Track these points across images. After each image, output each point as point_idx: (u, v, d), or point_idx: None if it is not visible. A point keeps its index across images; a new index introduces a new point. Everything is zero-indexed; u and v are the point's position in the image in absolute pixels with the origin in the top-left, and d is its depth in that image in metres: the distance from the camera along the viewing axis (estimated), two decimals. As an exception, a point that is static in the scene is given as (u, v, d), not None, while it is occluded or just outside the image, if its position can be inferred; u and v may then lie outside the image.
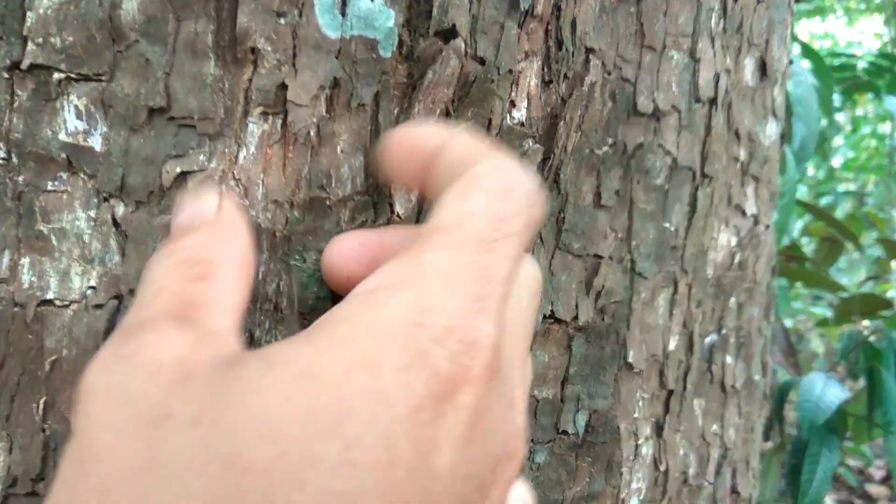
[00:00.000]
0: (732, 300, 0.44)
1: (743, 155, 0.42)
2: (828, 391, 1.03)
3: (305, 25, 0.27)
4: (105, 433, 0.19)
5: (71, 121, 0.27)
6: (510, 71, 0.30)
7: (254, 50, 0.27)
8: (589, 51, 0.33)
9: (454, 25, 0.28)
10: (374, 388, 0.18)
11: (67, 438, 0.22)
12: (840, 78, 2.29)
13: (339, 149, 0.28)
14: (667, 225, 0.38)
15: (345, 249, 0.26)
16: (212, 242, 0.24)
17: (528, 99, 0.32)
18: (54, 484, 0.20)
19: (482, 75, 0.29)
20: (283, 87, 0.27)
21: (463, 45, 0.29)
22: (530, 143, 0.32)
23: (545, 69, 0.32)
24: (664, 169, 0.37)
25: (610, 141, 0.35)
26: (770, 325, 0.49)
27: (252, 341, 0.28)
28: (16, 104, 0.27)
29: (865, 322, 1.63)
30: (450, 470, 0.19)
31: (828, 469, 1.02)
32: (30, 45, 0.27)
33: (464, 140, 0.24)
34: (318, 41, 0.27)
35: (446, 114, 0.30)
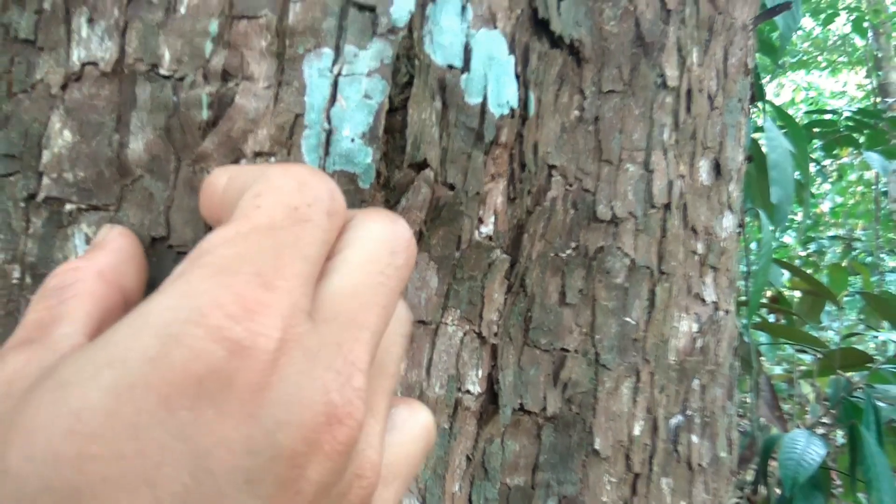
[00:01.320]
0: (696, 382, 0.47)
1: (700, 248, 0.46)
2: (809, 448, 1.05)
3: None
4: None
5: (80, 246, 0.30)
6: (477, 193, 0.34)
7: (246, 184, 0.30)
8: (551, 167, 0.37)
9: (426, 158, 0.31)
10: (116, 384, 0.18)
11: None
12: (822, 133, 2.36)
13: (322, 268, 0.31)
14: (628, 319, 0.41)
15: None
16: (71, 269, 0.26)
17: (494, 215, 0.35)
18: None
19: (451, 199, 0.33)
20: (272, 217, 0.30)
21: (433, 175, 0.32)
22: (498, 254, 0.35)
23: (511, 188, 0.35)
24: (623, 269, 0.40)
25: (573, 245, 0.39)
26: (733, 404, 0.52)
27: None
28: (30, 230, 0.31)
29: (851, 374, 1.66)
30: (222, 445, 0.18)
31: (812, 527, 1.03)
32: (45, 179, 0.30)
33: (238, 170, 0.25)
34: (304, 177, 0.30)
35: (419, 234, 0.33)
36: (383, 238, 0.24)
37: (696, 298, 0.46)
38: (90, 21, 0.30)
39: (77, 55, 0.30)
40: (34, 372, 0.21)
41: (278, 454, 0.19)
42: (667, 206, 0.41)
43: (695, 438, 0.47)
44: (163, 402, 0.18)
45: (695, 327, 0.46)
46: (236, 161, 0.30)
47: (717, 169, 0.46)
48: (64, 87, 0.30)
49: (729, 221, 0.49)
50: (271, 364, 0.19)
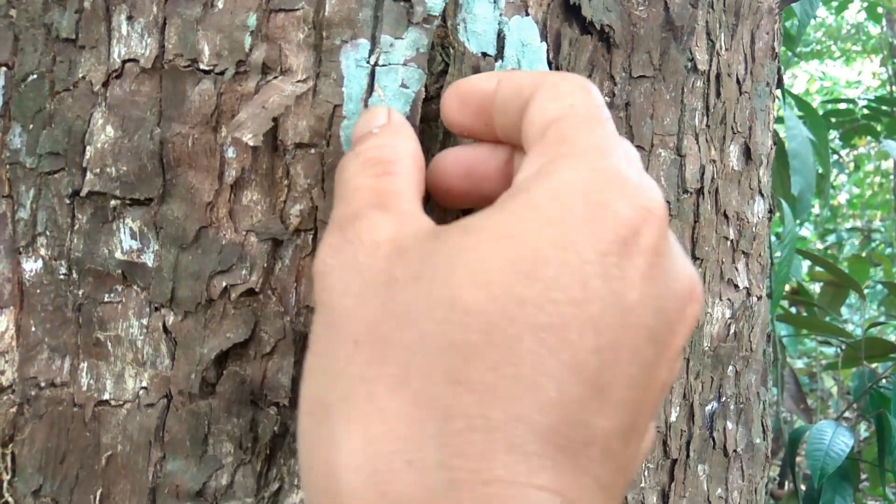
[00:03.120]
0: (730, 369, 0.47)
1: (732, 234, 0.46)
2: (837, 439, 1.04)
3: (332, 153, 0.30)
4: (346, 299, 0.23)
5: (126, 240, 0.31)
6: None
7: (288, 174, 0.30)
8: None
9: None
10: (562, 239, 0.21)
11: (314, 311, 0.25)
12: (839, 122, 2.34)
13: (362, 257, 0.31)
14: (663, 305, 0.41)
15: (442, 166, 0.30)
16: (388, 142, 0.28)
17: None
18: (310, 348, 0.25)
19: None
20: (314, 207, 0.30)
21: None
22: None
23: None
24: (658, 255, 0.40)
25: (607, 231, 0.39)
26: (767, 390, 0.51)
27: (287, 432, 0.31)
28: (76, 226, 0.31)
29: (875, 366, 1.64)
30: (640, 303, 0.22)
31: (842, 517, 1.03)
32: (88, 175, 0.31)
33: (512, 75, 0.28)
34: (344, 166, 0.31)
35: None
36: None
37: (728, 284, 0.46)
38: (130, 18, 0.31)
39: (118, 52, 0.31)
40: (412, 234, 0.24)
41: (667, 319, 0.23)
42: (699, 192, 0.41)
43: (730, 425, 0.47)
44: (600, 258, 0.21)
45: (728, 313, 0.46)
46: (273, 135, 0.30)
47: (748, 153, 0.46)
48: (105, 84, 0.31)
49: (759, 206, 0.48)
50: (664, 230, 0.23)
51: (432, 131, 0.32)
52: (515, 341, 0.20)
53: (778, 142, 1.19)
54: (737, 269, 0.47)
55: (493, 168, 0.29)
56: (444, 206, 0.30)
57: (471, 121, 0.29)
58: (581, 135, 0.24)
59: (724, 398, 0.46)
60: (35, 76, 0.32)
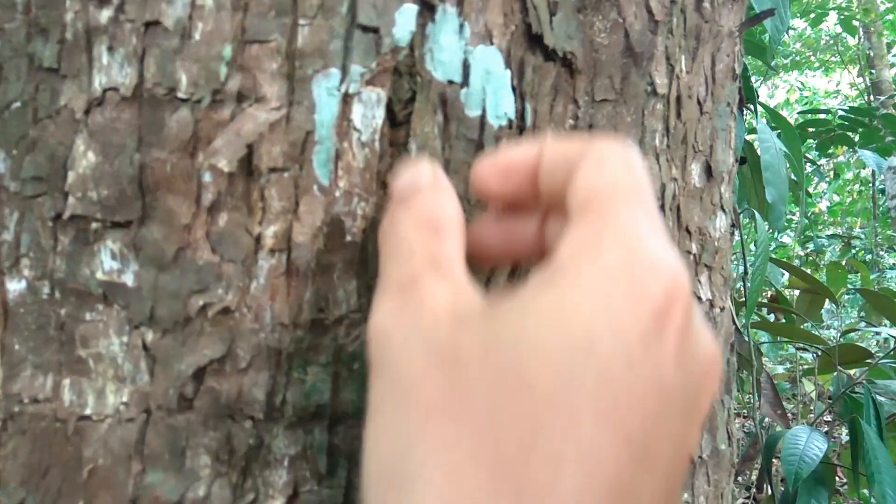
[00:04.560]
0: (694, 378, 0.49)
1: (695, 248, 0.47)
2: (811, 444, 1.06)
3: (305, 177, 0.32)
4: (412, 368, 0.25)
5: (107, 261, 0.32)
6: (479, 202, 0.35)
7: (263, 198, 0.32)
8: (548, 174, 0.39)
9: (430, 169, 0.33)
10: (610, 319, 0.23)
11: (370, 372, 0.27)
12: (816, 132, 2.38)
13: (335, 276, 0.33)
14: (627, 318, 0.42)
15: (480, 231, 0.32)
16: (438, 202, 0.29)
17: (496, 221, 0.37)
18: (374, 415, 0.26)
19: (455, 207, 0.35)
20: (288, 228, 0.32)
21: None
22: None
23: (510, 194, 0.37)
24: (621, 270, 0.42)
25: (572, 248, 0.40)
26: (731, 398, 0.53)
27: (262, 445, 0.32)
28: (59, 248, 0.32)
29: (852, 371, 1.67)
30: (674, 380, 0.23)
31: (817, 521, 1.05)
32: (70, 199, 0.32)
33: (556, 143, 0.30)
34: (316, 190, 0.32)
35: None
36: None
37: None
38: (110, 49, 0.32)
39: (99, 81, 0.32)
40: (468, 305, 0.26)
41: (695, 390, 0.24)
42: (661, 208, 0.43)
43: (695, 432, 0.49)
44: (641, 338, 0.23)
45: (692, 324, 0.48)
46: (248, 160, 0.31)
47: (709, 171, 0.48)
48: (87, 111, 0.32)
49: (721, 221, 0.50)
50: (690, 305, 0.24)
51: (401, 154, 0.34)
52: (577, 414, 0.22)
53: (751, 154, 1.21)
54: (700, 282, 0.48)
55: (529, 233, 0.31)
56: (477, 266, 0.32)
57: (514, 189, 0.30)
58: (622, 213, 0.26)
59: (688, 407, 0.48)
60: (19, 104, 0.33)
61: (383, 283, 0.28)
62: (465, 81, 0.34)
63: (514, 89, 0.36)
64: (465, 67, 0.34)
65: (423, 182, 0.29)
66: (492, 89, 0.35)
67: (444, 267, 0.27)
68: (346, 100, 0.32)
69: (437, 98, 0.34)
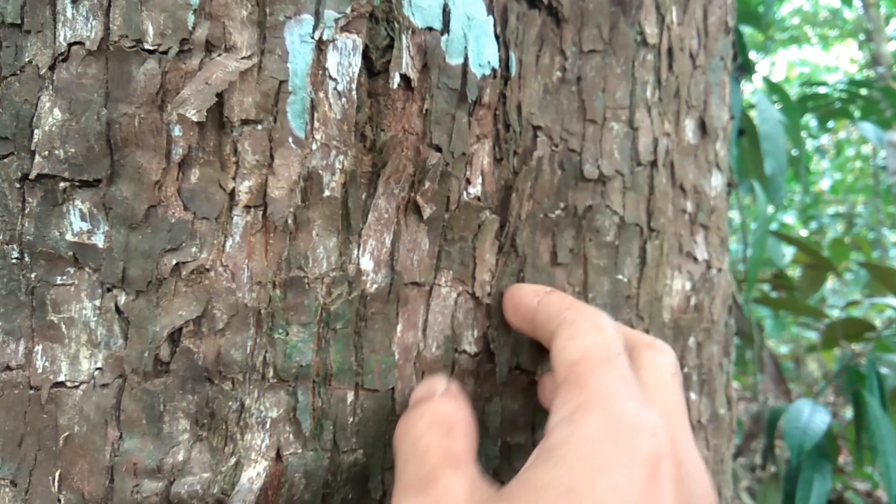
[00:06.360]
0: (691, 340, 0.47)
1: (690, 207, 0.46)
2: (814, 417, 1.05)
3: (279, 129, 0.31)
4: None
5: (76, 222, 0.31)
6: (463, 154, 0.34)
7: (236, 151, 0.31)
8: (536, 128, 0.37)
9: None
10: (612, 485, 0.25)
11: None
12: (815, 106, 2.35)
13: (314, 233, 0.32)
14: (620, 277, 0.41)
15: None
16: (450, 405, 0.31)
17: (482, 176, 0.35)
18: None
19: (438, 160, 0.33)
20: (263, 182, 0.31)
21: (418, 136, 0.32)
22: (487, 214, 0.36)
23: (496, 148, 0.36)
24: (613, 227, 0.41)
25: (562, 205, 0.39)
26: (730, 361, 0.52)
27: (243, 408, 0.31)
28: (27, 210, 0.31)
29: (855, 346, 1.66)
30: None
31: (821, 494, 1.04)
32: (37, 158, 0.31)
33: (547, 301, 0.34)
34: (291, 142, 0.31)
35: (409, 197, 0.33)
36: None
37: (687, 257, 0.47)
38: (75, 2, 0.31)
39: (63, 36, 0.31)
40: (484, 499, 0.27)
41: None
42: (653, 164, 0.42)
43: (693, 395, 0.48)
44: (641, 493, 0.25)
45: (688, 285, 0.47)
46: (219, 112, 0.30)
47: (703, 127, 0.47)
48: (52, 67, 0.31)
49: (717, 180, 0.49)
50: (677, 454, 0.27)
51: (381, 105, 0.32)
52: None
53: (749, 126, 1.20)
54: (696, 242, 0.47)
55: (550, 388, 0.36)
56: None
57: (520, 325, 0.35)
58: (597, 379, 0.28)
59: (686, 369, 0.47)
60: (-19, 61, 0.32)
61: (401, 484, 0.29)
62: (446, 28, 0.33)
63: (497, 37, 0.35)
64: (446, 13, 0.33)
65: (438, 389, 0.32)
66: (474, 36, 0.34)
67: (458, 462, 0.29)
68: (321, 47, 0.31)
69: (414, 47, 0.32)
